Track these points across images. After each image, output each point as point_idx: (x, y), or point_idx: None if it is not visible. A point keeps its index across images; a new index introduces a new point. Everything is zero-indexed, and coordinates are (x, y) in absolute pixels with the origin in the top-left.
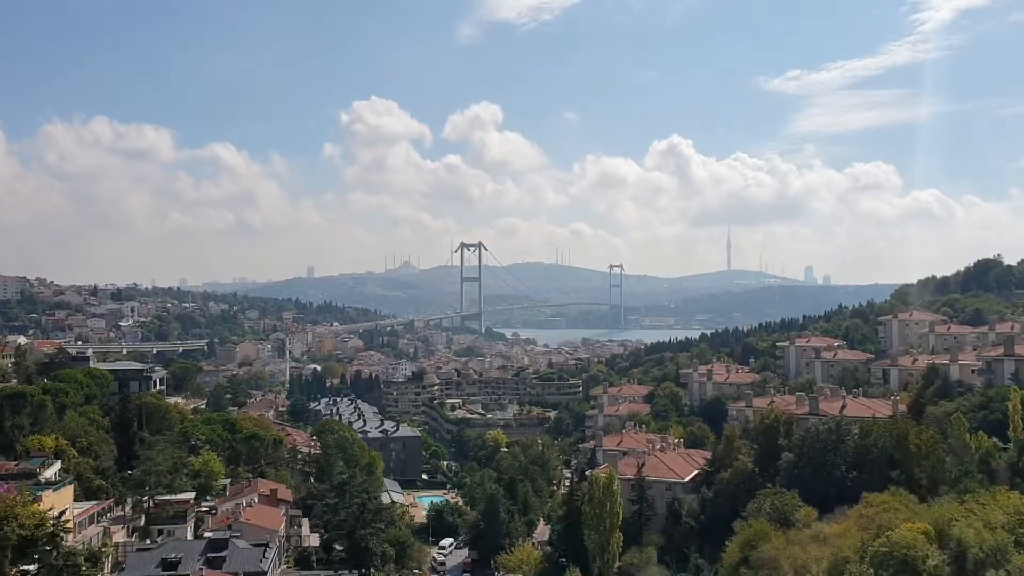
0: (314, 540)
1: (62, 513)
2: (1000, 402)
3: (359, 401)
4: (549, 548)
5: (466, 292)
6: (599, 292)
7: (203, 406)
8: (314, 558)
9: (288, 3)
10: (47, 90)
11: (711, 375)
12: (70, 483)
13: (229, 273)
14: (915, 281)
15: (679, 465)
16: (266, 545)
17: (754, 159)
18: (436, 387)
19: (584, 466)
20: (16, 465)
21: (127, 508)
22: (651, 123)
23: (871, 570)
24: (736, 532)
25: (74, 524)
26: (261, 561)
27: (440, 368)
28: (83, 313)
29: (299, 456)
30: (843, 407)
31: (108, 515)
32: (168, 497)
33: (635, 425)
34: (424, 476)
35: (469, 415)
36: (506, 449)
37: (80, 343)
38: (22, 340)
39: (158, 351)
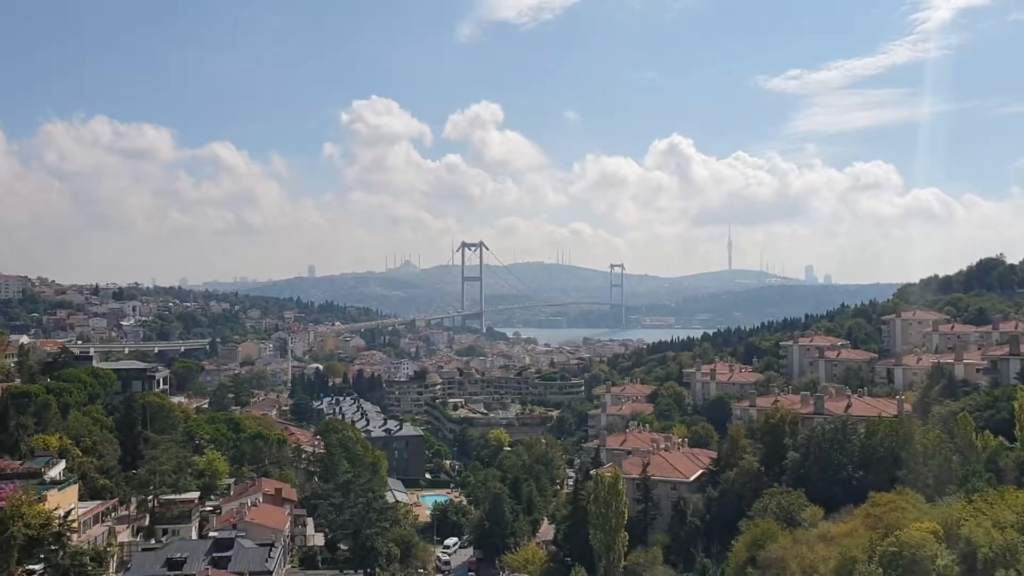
0: (319, 540)
1: (68, 513)
2: (1006, 401)
3: (362, 400)
4: (554, 547)
5: (467, 291)
6: (600, 292)
7: (206, 405)
8: (319, 558)
9: (288, 3)
10: (47, 90)
11: (714, 374)
12: (75, 482)
13: (230, 272)
14: (917, 280)
15: (684, 464)
16: (271, 545)
17: (755, 158)
18: (438, 386)
19: (588, 465)
20: (21, 464)
21: (131, 508)
22: (651, 122)
23: (880, 570)
24: (742, 532)
25: (79, 524)
26: (266, 561)
27: (442, 367)
28: (85, 312)
29: (303, 455)
30: (848, 406)
31: (112, 514)
32: (172, 497)
33: (638, 424)
34: (427, 475)
35: (471, 414)
36: (509, 448)
37: (81, 342)
38: (25, 339)
39: (160, 350)
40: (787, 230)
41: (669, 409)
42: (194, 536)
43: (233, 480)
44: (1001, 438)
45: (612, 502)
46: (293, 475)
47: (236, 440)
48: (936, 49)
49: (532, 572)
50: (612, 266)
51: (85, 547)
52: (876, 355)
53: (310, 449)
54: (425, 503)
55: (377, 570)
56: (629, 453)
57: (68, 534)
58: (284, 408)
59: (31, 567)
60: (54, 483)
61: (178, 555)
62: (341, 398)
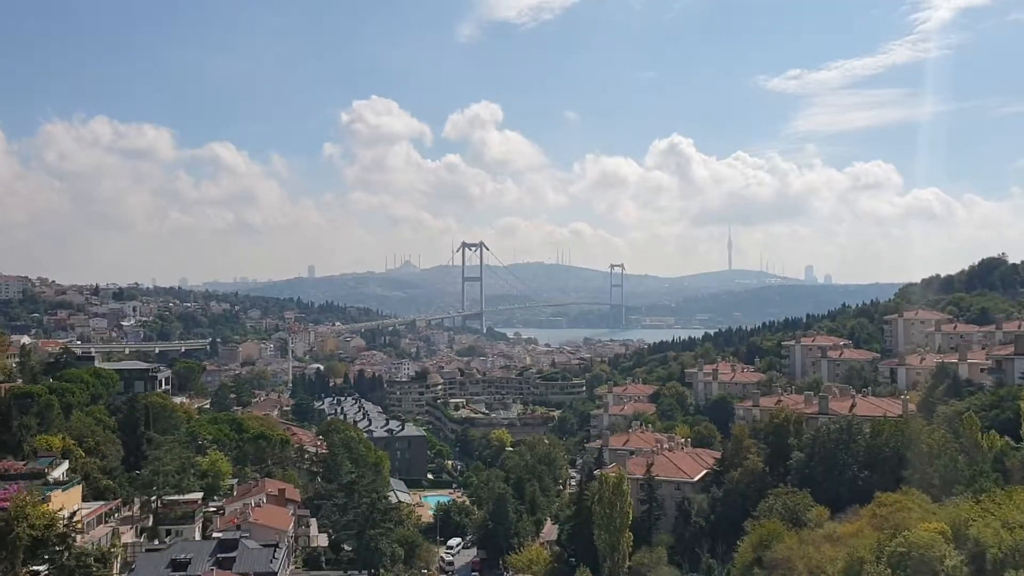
0: (322, 540)
1: (74, 514)
2: (1012, 401)
3: (363, 400)
4: (558, 548)
5: (467, 292)
6: (600, 292)
7: (207, 406)
8: (323, 558)
9: (288, 3)
10: (47, 90)
11: (716, 374)
12: (78, 483)
13: (230, 272)
14: (918, 280)
15: (688, 464)
16: (275, 545)
17: (755, 158)
18: (439, 387)
19: (591, 465)
20: (24, 465)
21: (135, 508)
22: (651, 122)
23: (888, 570)
24: (747, 532)
25: (83, 524)
26: (271, 562)
27: (443, 368)
28: (85, 313)
29: (306, 456)
30: (853, 406)
31: (116, 515)
32: (176, 497)
33: (641, 424)
34: (429, 476)
35: (473, 415)
36: (511, 448)
37: (80, 342)
38: (26, 340)
39: (160, 351)
40: (787, 230)
41: (671, 409)
42: (197, 537)
43: (236, 481)
44: (1007, 438)
45: (617, 502)
46: (296, 475)
47: (239, 440)
48: (936, 49)
49: (536, 572)
50: (612, 266)
51: (89, 548)
52: (879, 355)
53: (313, 449)
54: (428, 503)
55: (381, 571)
56: (632, 453)
57: (73, 535)
58: (285, 408)
59: (36, 568)
60: (58, 484)
61: (182, 556)
62: (342, 398)
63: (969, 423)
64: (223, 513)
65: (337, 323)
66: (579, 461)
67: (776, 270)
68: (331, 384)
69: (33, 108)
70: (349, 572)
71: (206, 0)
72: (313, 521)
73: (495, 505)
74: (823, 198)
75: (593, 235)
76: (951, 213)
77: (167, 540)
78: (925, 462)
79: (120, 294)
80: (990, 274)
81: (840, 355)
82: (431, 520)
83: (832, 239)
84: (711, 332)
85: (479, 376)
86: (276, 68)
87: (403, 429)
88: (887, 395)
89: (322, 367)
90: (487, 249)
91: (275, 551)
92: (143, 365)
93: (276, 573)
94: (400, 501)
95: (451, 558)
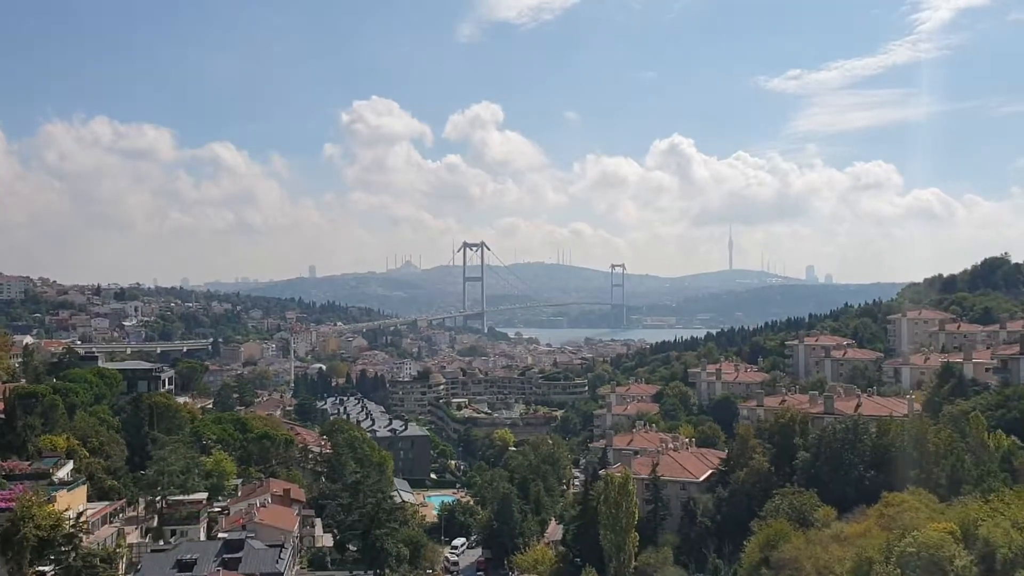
0: (327, 540)
1: (81, 514)
2: (1018, 400)
3: (366, 400)
4: (563, 548)
5: (468, 292)
6: (600, 292)
7: (210, 405)
8: (328, 559)
9: (288, 3)
10: (47, 90)
11: (720, 374)
12: (83, 483)
13: (230, 273)
14: (920, 279)
15: (693, 464)
16: (281, 546)
17: (755, 158)
18: (442, 386)
19: (596, 465)
20: (29, 465)
21: (140, 509)
22: (652, 122)
23: (898, 571)
24: (754, 532)
25: (88, 525)
26: (277, 562)
27: (444, 368)
28: (87, 313)
29: (310, 456)
30: (858, 406)
31: (121, 516)
32: (181, 498)
33: (645, 424)
34: (433, 475)
35: (476, 414)
36: (514, 448)
37: (80, 342)
38: (28, 340)
39: (162, 351)
40: (788, 230)
41: (675, 409)
42: (202, 537)
43: (240, 481)
44: (1014, 438)
45: (622, 502)
46: (300, 475)
47: (243, 440)
48: (936, 49)
49: (542, 572)
50: (613, 266)
51: (95, 548)
52: (882, 355)
53: (317, 449)
54: (431, 503)
55: (387, 571)
56: (636, 453)
57: (80, 535)
58: (288, 408)
59: (42, 568)
60: (63, 484)
61: (188, 556)
62: (345, 398)
63: (975, 423)
64: (228, 513)
65: (339, 323)
66: (582, 461)
67: (777, 270)
68: (333, 384)
69: (33, 108)
70: (355, 572)
71: (206, 0)
72: (318, 521)
73: (500, 505)
74: (824, 198)
75: (593, 235)
76: (951, 213)
77: (172, 540)
78: (932, 462)
79: (121, 294)
80: (993, 274)
81: (844, 355)
82: (435, 520)
83: (833, 239)
84: (713, 332)
85: (481, 376)
86: (276, 68)
87: (406, 429)
88: (892, 395)
89: (324, 367)
90: (488, 249)
91: (281, 551)
92: (146, 365)
93: (282, 573)
94: (404, 501)
95: (456, 558)
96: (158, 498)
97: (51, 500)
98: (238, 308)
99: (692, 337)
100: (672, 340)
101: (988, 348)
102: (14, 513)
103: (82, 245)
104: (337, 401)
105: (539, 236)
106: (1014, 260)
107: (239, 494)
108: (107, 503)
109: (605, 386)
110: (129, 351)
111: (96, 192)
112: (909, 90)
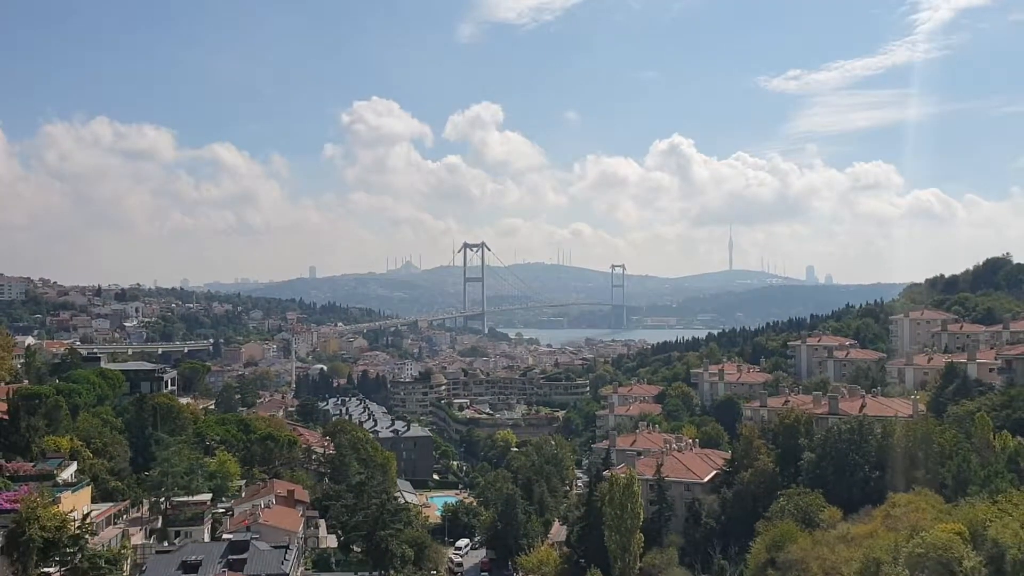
0: (331, 541)
1: (87, 515)
2: (1023, 401)
3: (367, 401)
4: (567, 549)
5: (468, 292)
6: (600, 292)
7: (212, 406)
8: (333, 560)
9: (288, 3)
10: (47, 90)
11: (722, 375)
12: (87, 484)
13: (231, 273)
14: (920, 280)
15: (697, 465)
16: (286, 547)
17: (755, 158)
18: (443, 387)
19: (599, 466)
20: (34, 467)
21: (144, 510)
22: (651, 122)
23: (906, 571)
24: (759, 533)
25: (93, 526)
26: (282, 563)
27: (446, 368)
28: (88, 314)
29: (313, 456)
30: (863, 407)
31: (125, 517)
32: (185, 499)
33: (648, 425)
34: (435, 476)
35: (477, 415)
36: (517, 449)
37: (81, 343)
38: (30, 340)
39: (164, 351)
40: (788, 230)
41: (677, 410)
42: (207, 538)
43: (244, 482)
44: (1019, 438)
45: (627, 503)
46: (304, 476)
47: (246, 441)
48: (936, 49)
49: (547, 573)
50: (613, 266)
51: (101, 550)
52: (885, 355)
53: (320, 450)
54: (434, 504)
55: (391, 572)
56: (640, 454)
57: (86, 536)
58: (290, 409)
59: (47, 569)
60: (67, 485)
61: (193, 558)
62: (347, 399)
63: (981, 423)
64: (232, 514)
65: (339, 324)
66: (585, 462)
67: (777, 270)
68: (335, 384)
69: (33, 108)
70: (359, 573)
71: (206, 0)
72: (322, 522)
73: (504, 506)
74: (824, 198)
75: (593, 235)
76: (951, 213)
77: (176, 542)
78: (937, 463)
79: (122, 295)
80: (995, 274)
81: (846, 355)
82: (438, 521)
83: (833, 239)
84: (714, 332)
85: (482, 376)
86: (276, 68)
87: (409, 430)
88: (896, 395)
89: (325, 367)
90: (488, 250)
91: (286, 553)
92: (149, 366)
93: (287, 575)
94: (408, 502)
95: (460, 559)
96: (162, 499)
97: (56, 501)
98: (239, 309)
99: (693, 338)
100: (673, 341)
101: (991, 348)
102: (19, 514)
103: (82, 246)
104: (339, 402)
105: (539, 236)
106: (1016, 260)
107: (243, 495)
108: (111, 504)
109: (607, 387)
110: (130, 352)
111: (97, 193)
112: (909, 90)
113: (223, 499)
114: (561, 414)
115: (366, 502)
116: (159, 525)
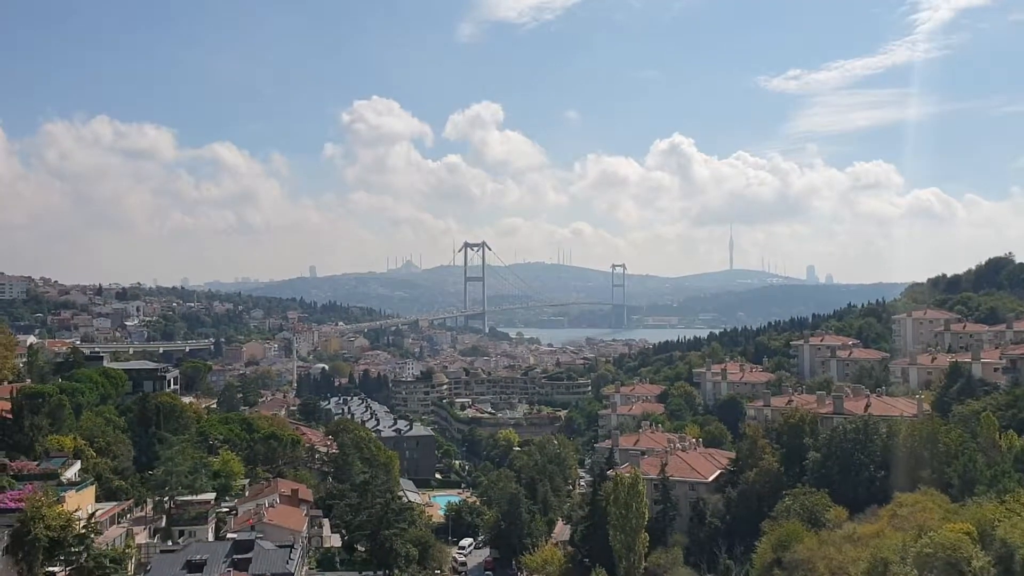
0: (335, 541)
1: (93, 514)
2: None
3: (369, 400)
4: (571, 548)
5: (469, 292)
6: (601, 291)
7: (214, 405)
8: (337, 559)
9: (288, 3)
10: (47, 89)
11: (725, 374)
12: (92, 483)
13: (231, 273)
14: (921, 279)
15: (701, 464)
16: (291, 546)
17: (756, 158)
18: (445, 386)
19: (602, 465)
20: (38, 466)
21: (148, 509)
22: (652, 122)
23: (914, 571)
24: (764, 532)
25: (98, 525)
26: (287, 563)
27: (447, 367)
28: (89, 313)
29: (317, 456)
30: (867, 406)
31: (129, 516)
32: (189, 498)
33: (651, 424)
34: (438, 475)
35: (479, 414)
36: (519, 448)
37: (81, 342)
38: (32, 340)
39: (165, 350)
40: (788, 230)
41: (680, 409)
42: (211, 538)
43: (248, 481)
44: None
45: (632, 503)
46: (308, 475)
47: (250, 440)
48: (936, 49)
49: (551, 573)
50: (614, 266)
51: (105, 549)
52: (888, 355)
53: (323, 449)
54: (437, 503)
55: (396, 571)
56: (643, 453)
57: (92, 536)
58: (292, 408)
59: (52, 569)
60: (71, 484)
61: (197, 557)
62: (348, 398)
63: (987, 423)
64: (236, 514)
65: (340, 323)
66: (588, 461)
67: (777, 270)
68: (336, 384)
69: (33, 107)
70: (364, 573)
71: (206, 0)
72: (326, 521)
73: (508, 505)
74: (824, 198)
75: (594, 235)
76: (951, 213)
77: (180, 541)
78: (943, 462)
79: (123, 294)
80: (997, 273)
81: (849, 355)
82: (442, 520)
83: (833, 239)
84: (716, 332)
85: (484, 376)
86: (276, 68)
87: (411, 429)
88: (900, 395)
89: (327, 367)
90: (489, 249)
91: (291, 552)
92: (151, 365)
93: (292, 574)
94: (411, 501)
95: (463, 558)
96: (166, 498)
97: (60, 500)
98: (239, 308)
99: (695, 337)
100: (675, 340)
101: (995, 348)
102: (24, 513)
103: (83, 245)
104: (341, 401)
105: (539, 236)
106: (1018, 260)
107: (247, 494)
108: (115, 503)
109: (609, 386)
110: (132, 351)
111: (97, 192)
112: (909, 90)
113: (227, 498)
114: (563, 413)
115: (370, 501)
116: (163, 524)
